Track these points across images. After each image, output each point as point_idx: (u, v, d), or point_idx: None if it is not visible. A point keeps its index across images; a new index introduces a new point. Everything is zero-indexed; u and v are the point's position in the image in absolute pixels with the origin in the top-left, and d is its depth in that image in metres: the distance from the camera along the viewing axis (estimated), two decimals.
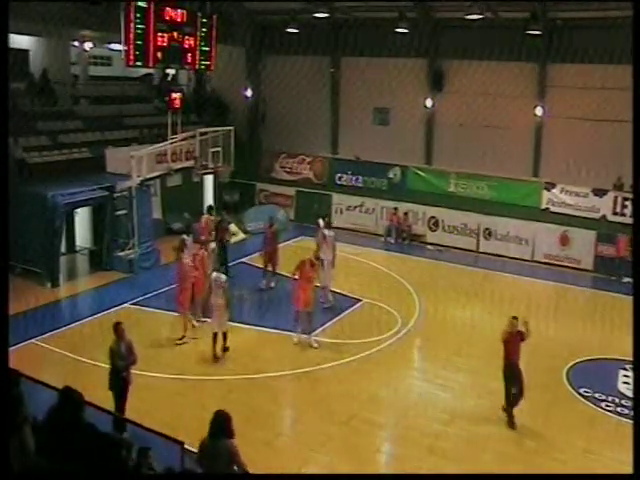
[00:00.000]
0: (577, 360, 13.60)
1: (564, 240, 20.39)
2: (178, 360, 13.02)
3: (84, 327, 14.44)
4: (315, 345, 13.69)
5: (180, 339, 13.82)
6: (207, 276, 14.74)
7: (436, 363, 13.47)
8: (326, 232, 16.38)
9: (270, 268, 17.15)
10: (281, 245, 18.36)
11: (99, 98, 23.98)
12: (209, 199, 24.96)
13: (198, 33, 18.58)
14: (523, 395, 10.96)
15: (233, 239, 19.37)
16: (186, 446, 6.83)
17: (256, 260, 18.83)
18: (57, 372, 12.10)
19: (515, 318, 11.06)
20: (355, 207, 23.64)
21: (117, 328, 10.30)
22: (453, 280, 18.81)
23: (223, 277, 13.59)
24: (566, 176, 21.32)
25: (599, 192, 20.57)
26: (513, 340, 10.93)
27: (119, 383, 10.16)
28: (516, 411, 11.54)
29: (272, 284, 17.05)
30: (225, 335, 13.30)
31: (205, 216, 18.02)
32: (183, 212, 22.72)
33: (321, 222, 17.03)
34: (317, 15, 22.86)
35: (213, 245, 16.11)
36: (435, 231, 22.46)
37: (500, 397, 11.97)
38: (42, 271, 16.98)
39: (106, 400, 8.56)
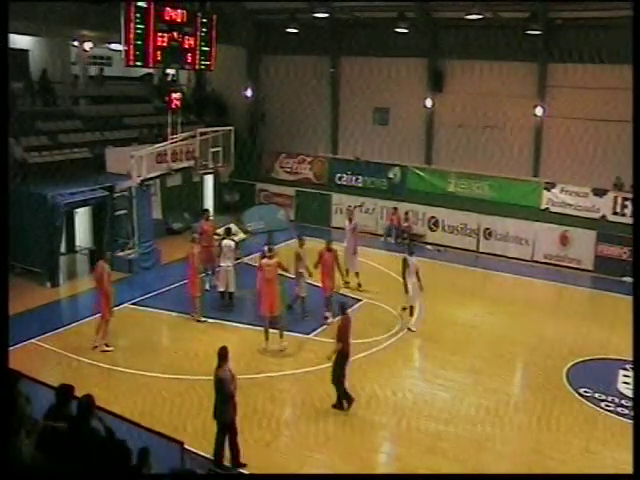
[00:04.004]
0: (577, 360, 13.59)
1: (564, 240, 20.39)
2: (178, 360, 13.03)
3: (84, 327, 14.44)
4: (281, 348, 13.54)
5: (96, 347, 13.28)
6: (197, 275, 14.95)
7: (436, 363, 13.45)
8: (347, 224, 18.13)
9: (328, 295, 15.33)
10: (281, 245, 18.34)
11: (99, 98, 23.95)
12: (209, 199, 25.02)
13: (198, 33, 18.58)
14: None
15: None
16: (186, 446, 6.83)
17: (256, 261, 18.86)
18: (57, 372, 12.10)
19: (343, 304, 11.68)
20: (355, 207, 23.61)
21: (224, 353, 9.42)
22: (453, 280, 18.81)
23: (232, 244, 15.41)
24: (566, 176, 21.34)
25: (599, 192, 20.57)
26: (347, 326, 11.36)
27: (229, 411, 9.39)
28: (516, 411, 11.59)
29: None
30: (231, 295, 15.47)
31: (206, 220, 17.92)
32: (183, 212, 22.76)
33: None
34: (317, 15, 22.84)
35: (228, 243, 15.76)
36: (435, 231, 22.46)
37: (500, 397, 12.01)
38: (42, 271, 16.99)
39: (106, 400, 8.52)
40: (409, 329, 14.85)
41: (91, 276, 17.86)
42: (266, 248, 14.48)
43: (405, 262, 15.00)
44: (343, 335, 11.26)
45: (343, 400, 11.26)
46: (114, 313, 13.67)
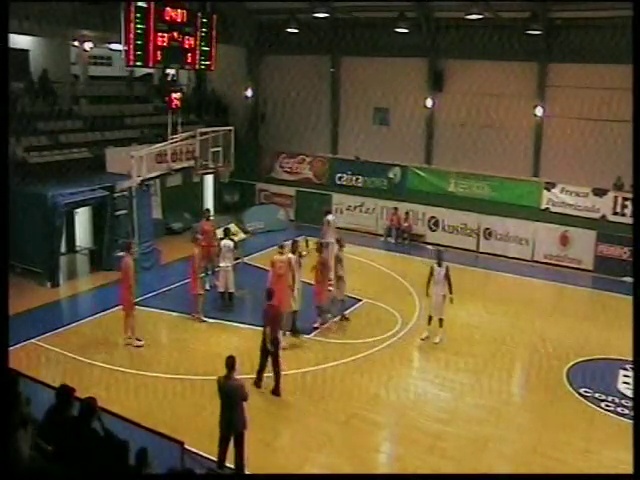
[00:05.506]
0: (577, 360, 13.59)
1: (564, 240, 20.39)
2: (178, 360, 13.03)
3: (84, 327, 14.45)
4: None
5: (139, 341, 13.63)
6: (198, 275, 14.89)
7: (436, 363, 13.46)
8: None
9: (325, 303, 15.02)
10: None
11: (99, 98, 23.95)
12: (209, 199, 25.02)
13: (198, 33, 18.58)
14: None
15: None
16: (186, 446, 6.82)
17: (256, 260, 18.92)
18: (57, 372, 12.10)
19: (269, 291, 12.05)
20: (355, 207, 23.65)
21: (232, 362, 8.94)
22: (453, 280, 18.76)
23: (231, 244, 15.48)
24: (566, 176, 21.33)
25: (599, 192, 20.56)
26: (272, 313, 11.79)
27: (244, 418, 8.93)
28: (516, 411, 11.60)
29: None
30: (231, 295, 15.51)
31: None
32: (183, 212, 22.77)
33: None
34: (317, 15, 22.82)
35: (227, 243, 15.75)
36: (435, 231, 22.46)
37: (500, 397, 12.02)
38: (42, 271, 16.98)
39: (106, 400, 8.51)
40: (435, 342, 14.18)
41: (91, 276, 18.06)
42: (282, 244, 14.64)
43: (431, 271, 14.27)
44: (272, 321, 11.69)
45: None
46: (135, 309, 13.83)
